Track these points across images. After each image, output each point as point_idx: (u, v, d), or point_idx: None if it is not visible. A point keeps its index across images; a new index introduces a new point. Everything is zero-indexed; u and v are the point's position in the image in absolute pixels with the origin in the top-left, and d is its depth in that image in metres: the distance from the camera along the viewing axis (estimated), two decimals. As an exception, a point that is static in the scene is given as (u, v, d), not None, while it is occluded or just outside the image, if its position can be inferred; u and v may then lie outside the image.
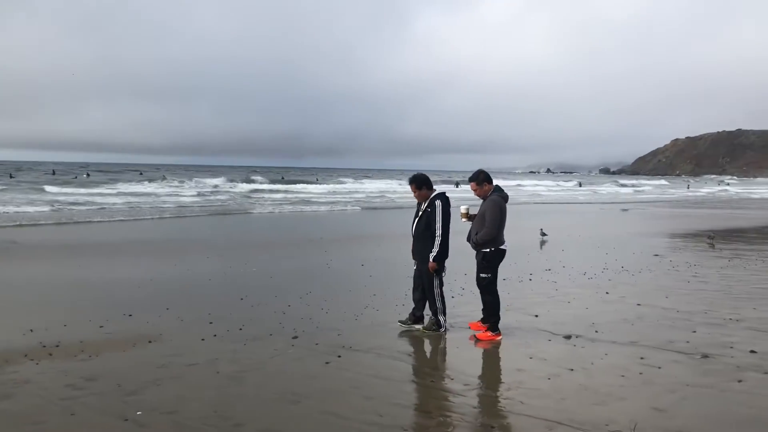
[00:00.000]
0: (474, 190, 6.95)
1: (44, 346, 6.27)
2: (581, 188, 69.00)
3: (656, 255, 13.47)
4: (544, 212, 30.20)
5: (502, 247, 6.76)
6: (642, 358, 5.97)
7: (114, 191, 38.00)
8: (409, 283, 7.56)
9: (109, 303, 8.31)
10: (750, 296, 8.94)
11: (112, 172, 73.19)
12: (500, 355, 6.27)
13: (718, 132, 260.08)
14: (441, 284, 7.04)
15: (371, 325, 7.27)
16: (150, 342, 6.52)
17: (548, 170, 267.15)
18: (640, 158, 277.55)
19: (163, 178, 57.91)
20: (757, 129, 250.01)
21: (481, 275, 6.85)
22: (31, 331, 6.81)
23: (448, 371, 5.74)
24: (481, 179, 6.87)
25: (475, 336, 6.81)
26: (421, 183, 7.05)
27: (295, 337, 6.70)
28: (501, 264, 6.90)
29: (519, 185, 68.14)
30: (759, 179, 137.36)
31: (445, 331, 7.00)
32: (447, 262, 7.04)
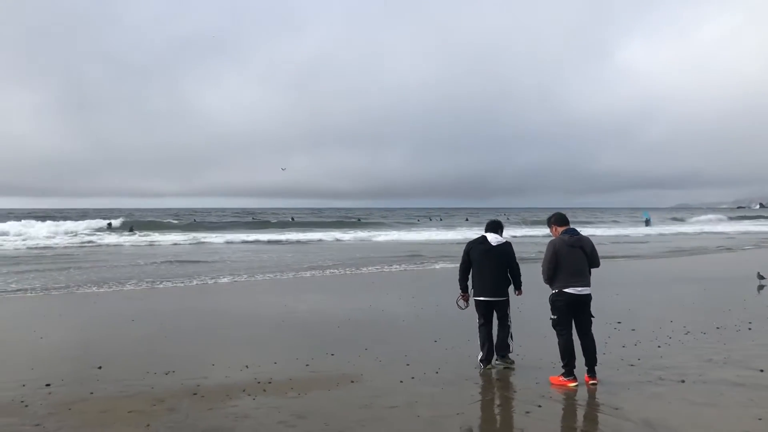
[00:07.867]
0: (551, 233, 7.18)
1: (258, 382, 6.75)
2: None
3: None
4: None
5: (566, 290, 6.69)
6: None
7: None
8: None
9: (313, 341, 8.81)
10: None
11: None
12: (722, 414, 5.61)
13: None
14: None
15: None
16: (352, 382, 6.76)
17: (761, 205, 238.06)
18: None
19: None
20: None
21: (551, 316, 6.86)
22: (247, 367, 7.39)
23: (667, 429, 5.25)
24: (550, 222, 7.10)
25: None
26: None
27: (491, 385, 6.58)
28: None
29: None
30: None
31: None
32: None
